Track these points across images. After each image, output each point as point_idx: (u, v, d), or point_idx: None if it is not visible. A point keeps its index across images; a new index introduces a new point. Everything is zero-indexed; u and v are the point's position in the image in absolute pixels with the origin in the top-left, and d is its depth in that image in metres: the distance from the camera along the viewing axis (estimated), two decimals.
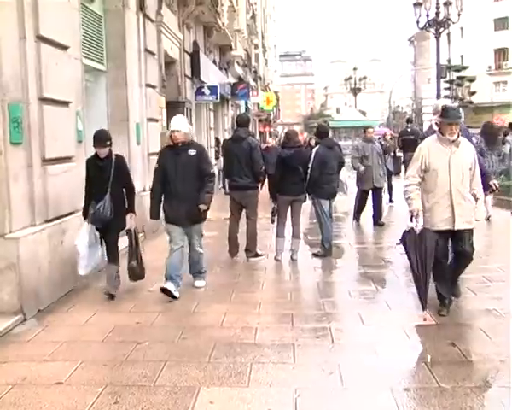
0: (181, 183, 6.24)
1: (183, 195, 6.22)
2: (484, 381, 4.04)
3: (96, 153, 6.31)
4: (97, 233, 6.36)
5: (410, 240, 5.41)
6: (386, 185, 12.19)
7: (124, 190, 6.46)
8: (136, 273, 6.49)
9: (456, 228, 5.39)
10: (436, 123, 6.14)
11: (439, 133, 5.51)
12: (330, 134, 14.32)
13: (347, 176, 15.15)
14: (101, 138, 6.28)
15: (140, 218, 9.70)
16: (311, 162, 8.24)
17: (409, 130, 15.85)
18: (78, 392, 3.98)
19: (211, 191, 6.40)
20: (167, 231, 6.50)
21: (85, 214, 6.33)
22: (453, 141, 5.40)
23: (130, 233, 6.46)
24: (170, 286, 6.15)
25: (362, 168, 10.89)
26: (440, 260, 5.45)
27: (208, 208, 6.38)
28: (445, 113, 5.52)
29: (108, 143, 6.29)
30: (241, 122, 8.51)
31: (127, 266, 6.45)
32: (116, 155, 6.41)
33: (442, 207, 5.40)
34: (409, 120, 17.97)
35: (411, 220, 5.43)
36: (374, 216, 11.02)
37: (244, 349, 4.70)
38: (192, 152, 6.28)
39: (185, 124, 6.43)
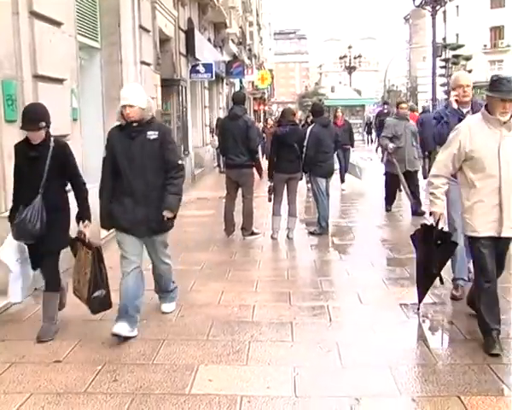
0: (137, 176, 4.50)
1: (140, 193, 4.51)
2: (482, 358, 4.06)
3: (26, 137, 4.58)
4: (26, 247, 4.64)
5: (423, 237, 4.68)
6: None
7: (66, 188, 4.74)
8: (103, 303, 4.68)
9: (502, 235, 4.20)
10: (456, 100, 5.27)
11: (486, 112, 4.28)
12: (340, 113, 13.69)
13: (368, 158, 14.64)
14: (33, 118, 4.43)
15: None
16: (306, 141, 8.23)
17: (385, 111, 18.02)
18: (76, 370, 3.98)
19: (179, 192, 4.69)
20: (118, 244, 4.79)
21: (12, 221, 4.55)
22: (504, 122, 4.19)
23: (91, 250, 4.60)
24: (122, 329, 4.44)
25: (391, 145, 9.58)
26: (487, 278, 4.25)
27: (175, 215, 4.69)
28: (497, 85, 4.21)
29: (43, 124, 4.45)
30: (238, 100, 8.46)
31: (87, 297, 4.62)
32: (55, 141, 4.60)
33: (487, 208, 4.20)
34: (386, 102, 19.63)
35: (430, 214, 4.58)
36: (412, 207, 9.68)
37: (242, 327, 4.71)
38: (152, 135, 4.50)
39: (141, 95, 4.55)
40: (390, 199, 10.23)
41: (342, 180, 13.25)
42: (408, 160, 9.63)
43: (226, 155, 8.39)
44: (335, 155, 13.06)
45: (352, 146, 13.52)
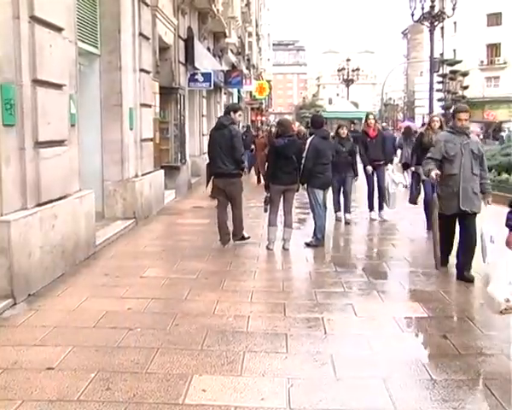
0: None
1: None
2: (476, 374, 4.06)
3: None
4: None
5: None
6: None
7: None
8: None
9: None
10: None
11: None
12: (373, 120, 10.80)
13: (400, 183, 10.87)
14: None
15: (132, 203, 9.74)
16: (305, 152, 8.25)
17: (352, 130, 18.51)
18: (69, 377, 3.94)
19: None
20: None
21: None
22: None
23: None
24: None
25: (434, 173, 6.36)
26: None
27: None
28: None
29: None
30: (226, 110, 8.70)
31: None
32: None
33: None
34: (353, 122, 21.48)
35: None
36: (458, 265, 6.52)
37: (237, 338, 4.68)
38: None
39: None
40: (445, 249, 6.76)
41: (371, 207, 10.72)
42: (463, 195, 6.35)
43: (214, 164, 8.36)
44: (365, 178, 10.71)
45: (386, 163, 10.79)
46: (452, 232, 6.67)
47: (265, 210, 8.37)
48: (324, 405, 3.61)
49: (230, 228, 8.35)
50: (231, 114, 8.35)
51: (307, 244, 8.32)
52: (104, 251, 7.80)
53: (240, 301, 5.71)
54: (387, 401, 3.64)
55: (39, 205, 6.09)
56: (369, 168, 10.52)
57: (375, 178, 10.70)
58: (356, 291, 6.11)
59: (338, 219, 10.43)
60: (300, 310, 5.44)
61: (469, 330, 4.92)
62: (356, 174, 10.44)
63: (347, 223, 10.22)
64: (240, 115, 8.58)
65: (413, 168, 9.80)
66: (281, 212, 8.31)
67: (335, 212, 10.55)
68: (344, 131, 10.39)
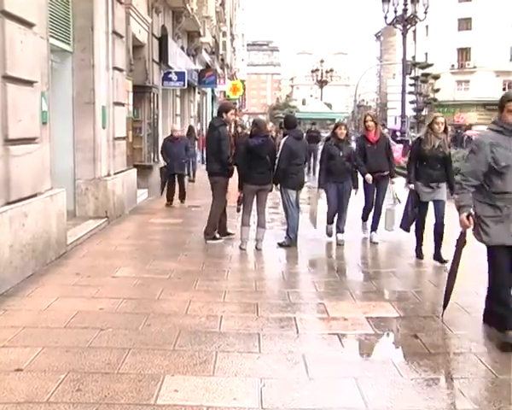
0: None
1: None
2: (445, 372, 4.13)
3: None
4: None
5: None
6: None
7: None
8: None
9: None
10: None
11: None
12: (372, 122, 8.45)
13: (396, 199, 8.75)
14: None
15: (104, 202, 9.64)
16: (278, 153, 8.26)
17: (313, 129, 21.35)
18: (38, 379, 3.88)
19: None
20: None
21: None
22: None
23: None
24: None
25: (467, 213, 4.65)
26: None
27: None
28: None
29: None
30: (218, 110, 9.08)
31: None
32: None
33: None
34: (313, 123, 23.34)
35: None
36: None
37: (209, 338, 4.67)
38: None
39: None
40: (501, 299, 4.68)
41: (373, 227, 8.75)
42: None
43: (206, 162, 8.92)
44: (363, 190, 8.71)
45: (392, 175, 8.69)
46: (510, 270, 4.67)
47: (238, 210, 8.38)
48: (296, 404, 3.62)
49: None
50: (223, 114, 8.58)
51: (280, 244, 8.34)
52: (76, 250, 7.71)
53: (212, 300, 5.69)
54: (359, 400, 3.67)
55: (9, 203, 5.98)
56: (369, 177, 8.43)
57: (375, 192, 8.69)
58: (328, 291, 6.15)
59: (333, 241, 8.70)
60: (273, 310, 5.45)
61: (439, 329, 4.99)
62: (355, 186, 8.64)
63: (340, 244, 8.50)
64: (232, 114, 8.73)
65: (411, 186, 7.55)
66: (254, 212, 8.33)
67: (328, 234, 8.76)
68: (342, 132, 8.51)
